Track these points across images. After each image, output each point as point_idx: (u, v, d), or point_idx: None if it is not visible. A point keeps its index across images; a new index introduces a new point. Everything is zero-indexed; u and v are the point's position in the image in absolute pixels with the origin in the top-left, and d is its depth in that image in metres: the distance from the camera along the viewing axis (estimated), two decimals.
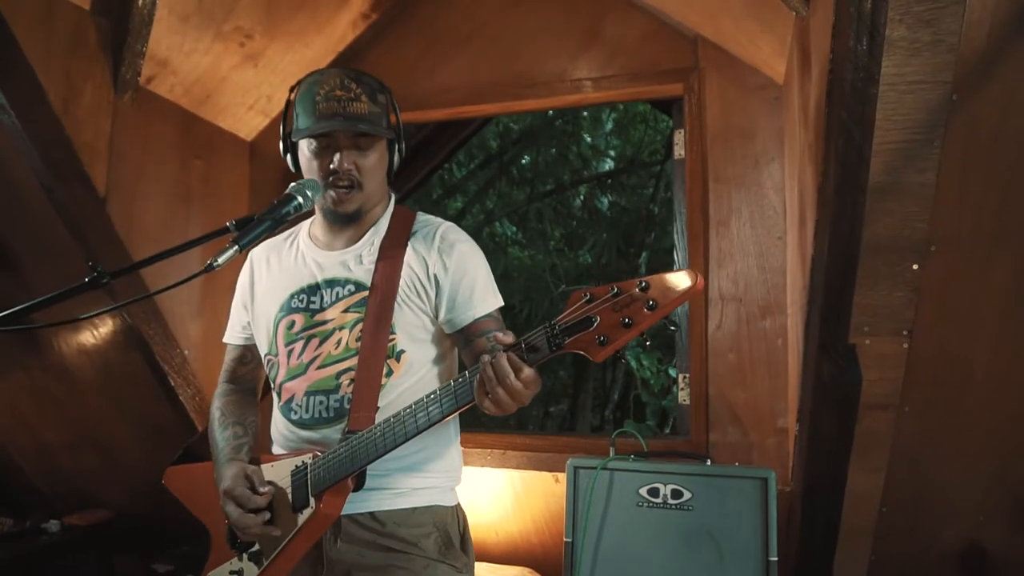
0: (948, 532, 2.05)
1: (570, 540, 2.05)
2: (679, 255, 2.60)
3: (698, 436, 2.39)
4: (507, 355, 1.14)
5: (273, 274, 1.58)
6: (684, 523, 1.98)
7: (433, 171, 4.80)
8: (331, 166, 1.43)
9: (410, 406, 1.28)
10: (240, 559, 1.46)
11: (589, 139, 7.68)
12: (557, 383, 7.08)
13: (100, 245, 2.27)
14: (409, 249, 1.48)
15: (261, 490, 1.36)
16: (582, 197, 7.94)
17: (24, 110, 2.02)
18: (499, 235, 8.15)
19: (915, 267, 1.66)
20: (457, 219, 7.96)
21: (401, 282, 1.45)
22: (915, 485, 2.03)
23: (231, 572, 1.46)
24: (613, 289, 1.08)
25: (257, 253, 1.63)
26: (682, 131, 2.57)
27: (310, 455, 1.39)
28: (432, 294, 1.47)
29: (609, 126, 7.77)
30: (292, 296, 1.51)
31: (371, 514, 1.42)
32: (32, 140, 2.05)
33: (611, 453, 2.19)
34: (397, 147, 1.53)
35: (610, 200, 7.81)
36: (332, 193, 1.45)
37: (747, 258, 2.40)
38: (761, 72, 2.41)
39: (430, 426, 1.26)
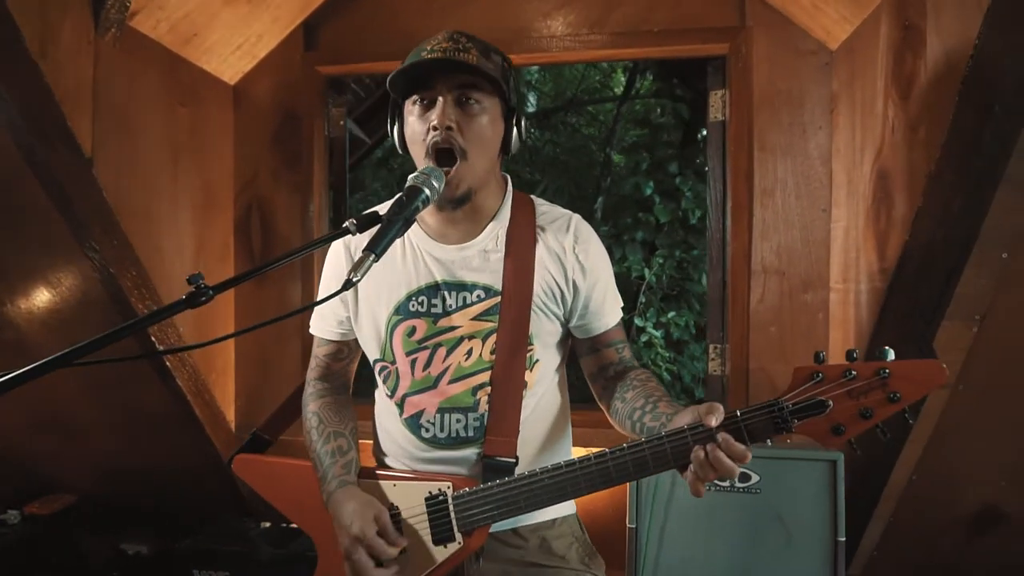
0: (968, 496, 2.13)
1: (634, 526, 2.00)
2: (712, 223, 2.52)
3: None
4: (724, 446, 1.04)
5: (379, 268, 1.35)
6: (753, 507, 1.97)
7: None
8: (431, 123, 1.20)
9: (585, 459, 1.15)
10: None
11: (532, 74, 7.38)
12: None
13: (89, 215, 1.93)
14: (540, 246, 1.32)
15: (400, 542, 1.23)
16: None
17: None
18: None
19: (1004, 255, 1.67)
20: (386, 172, 7.50)
21: (536, 286, 1.30)
22: (947, 455, 2.11)
23: None
24: (849, 373, 1.04)
25: (358, 241, 1.37)
26: (721, 92, 2.45)
27: (447, 484, 1.25)
28: (569, 299, 1.34)
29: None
30: (409, 298, 1.32)
31: (513, 531, 1.34)
32: (8, 90, 1.67)
33: None
34: (515, 121, 1.29)
35: (544, 140, 7.58)
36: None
37: (791, 230, 2.35)
38: (811, 36, 2.30)
39: (604, 488, 1.16)
